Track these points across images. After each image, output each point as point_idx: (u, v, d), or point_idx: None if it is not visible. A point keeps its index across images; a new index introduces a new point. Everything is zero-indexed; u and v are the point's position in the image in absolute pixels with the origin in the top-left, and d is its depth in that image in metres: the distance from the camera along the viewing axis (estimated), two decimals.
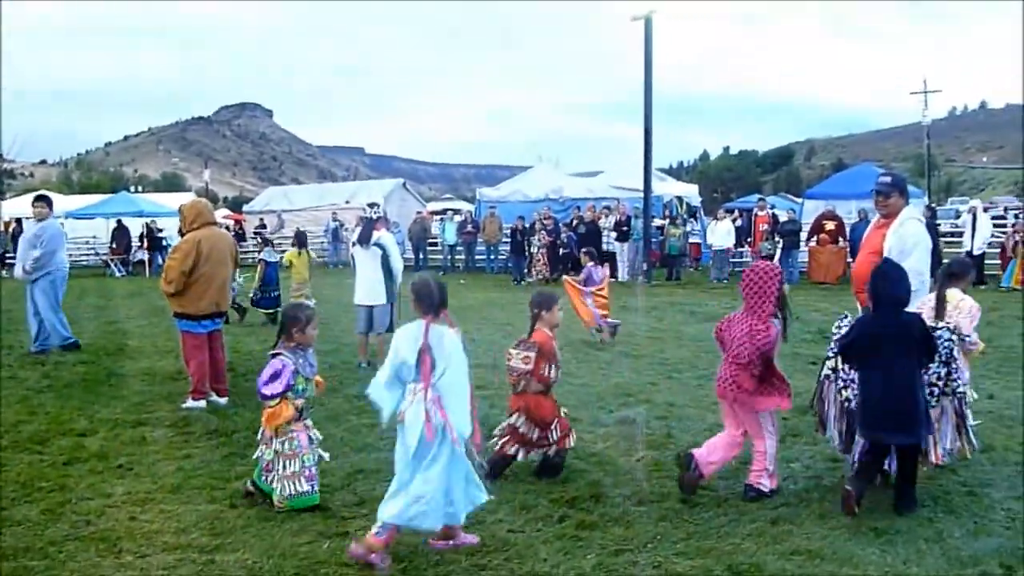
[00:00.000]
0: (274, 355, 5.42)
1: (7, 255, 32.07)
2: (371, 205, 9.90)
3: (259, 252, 17.49)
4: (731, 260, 23.24)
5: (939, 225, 22.74)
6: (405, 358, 4.71)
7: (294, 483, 5.27)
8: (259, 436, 5.50)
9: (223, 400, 8.29)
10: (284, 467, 5.30)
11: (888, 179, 7.06)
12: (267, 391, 5.28)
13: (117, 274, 29.08)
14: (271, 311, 14.37)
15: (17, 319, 15.82)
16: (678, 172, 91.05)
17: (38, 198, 12.16)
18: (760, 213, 23.60)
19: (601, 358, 10.67)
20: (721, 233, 22.51)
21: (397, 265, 9.78)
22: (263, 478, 5.38)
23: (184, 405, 8.14)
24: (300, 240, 14.89)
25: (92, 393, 9.00)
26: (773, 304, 5.48)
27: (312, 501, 5.30)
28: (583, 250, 13.68)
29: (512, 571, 4.49)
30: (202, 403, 8.13)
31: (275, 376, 5.29)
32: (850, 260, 19.69)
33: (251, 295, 14.72)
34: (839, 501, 5.18)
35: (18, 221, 33.34)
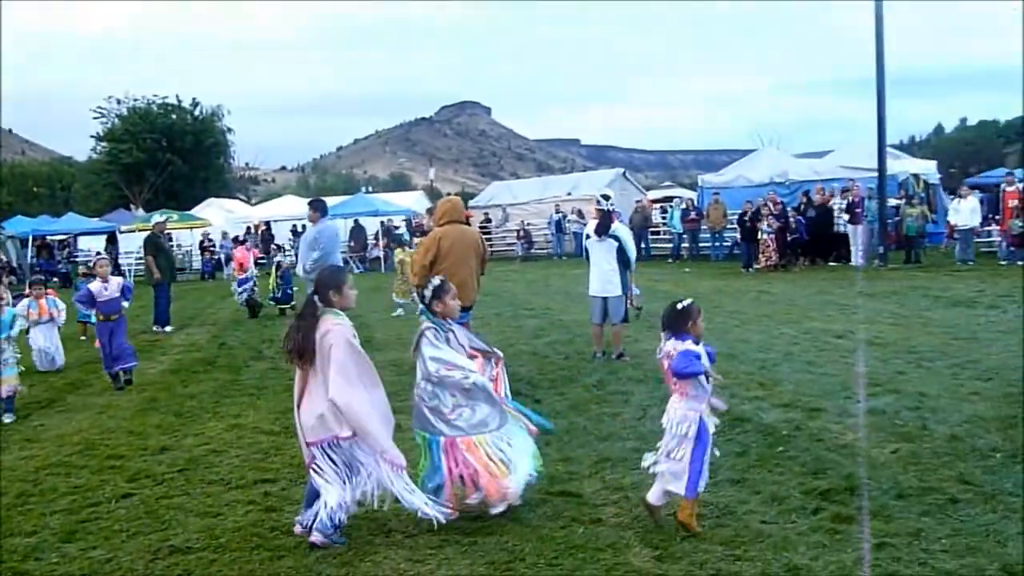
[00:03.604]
0: None
1: (259, 256, 34.84)
2: (605, 197, 9.97)
3: (276, 255, 21.38)
4: (977, 240, 21.75)
5: None
6: None
7: None
8: None
9: None
10: None
11: None
12: None
13: (356, 270, 30.77)
14: (286, 305, 17.30)
15: (273, 314, 17.18)
16: (910, 148, 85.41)
17: (311, 203, 13.04)
18: (1008, 188, 21.89)
19: (843, 346, 10.31)
20: (966, 212, 21.09)
21: (632, 255, 9.84)
22: None
23: None
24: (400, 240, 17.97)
25: None
26: None
27: None
28: None
29: (767, 563, 4.44)
30: None
31: None
32: None
33: (270, 293, 17.68)
34: None
35: (267, 224, 36.02)
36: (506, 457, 5.19)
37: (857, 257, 21.84)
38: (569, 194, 33.88)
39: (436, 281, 5.52)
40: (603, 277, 9.86)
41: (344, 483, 4.94)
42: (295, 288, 17.67)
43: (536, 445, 5.45)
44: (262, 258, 34.58)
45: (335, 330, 4.93)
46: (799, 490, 5.38)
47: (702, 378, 4.91)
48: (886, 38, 21.26)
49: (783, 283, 18.48)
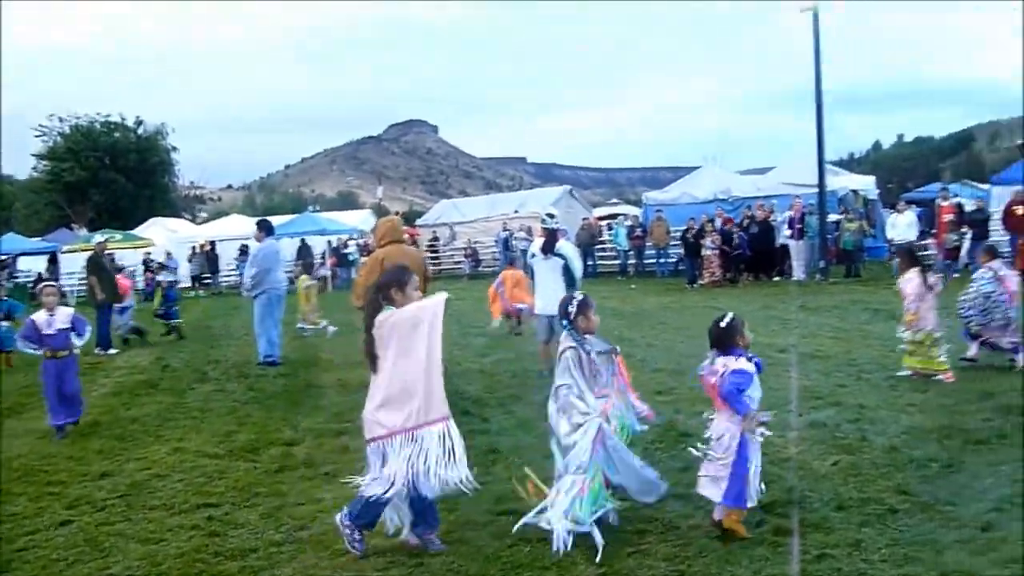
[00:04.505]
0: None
1: (204, 276, 34.49)
2: (550, 215, 10.03)
3: (158, 275, 21.00)
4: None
5: None
6: None
7: None
8: None
9: None
10: None
11: None
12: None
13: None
14: (171, 323, 16.96)
15: (219, 335, 16.98)
16: (849, 164, 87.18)
17: (258, 223, 13.08)
18: (943, 203, 22.42)
19: (785, 360, 10.46)
20: (902, 226, 21.54)
21: (578, 273, 9.89)
22: None
23: None
24: (307, 267, 18.63)
25: (294, 404, 9.56)
26: None
27: None
28: None
29: None
30: None
31: None
32: None
33: (156, 311, 17.36)
34: None
35: (212, 244, 35.60)
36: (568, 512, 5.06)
37: (799, 272, 22.20)
38: (516, 212, 34.02)
39: (580, 296, 5.45)
40: (549, 295, 9.87)
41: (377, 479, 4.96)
42: (178, 307, 17.60)
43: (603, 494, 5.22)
44: (208, 278, 34.40)
45: (388, 318, 4.94)
46: None
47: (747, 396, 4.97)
48: (825, 55, 21.73)
49: (728, 298, 18.69)
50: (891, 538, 4.82)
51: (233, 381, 11.44)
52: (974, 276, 10.00)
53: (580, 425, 5.10)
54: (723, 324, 5.11)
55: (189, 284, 34.28)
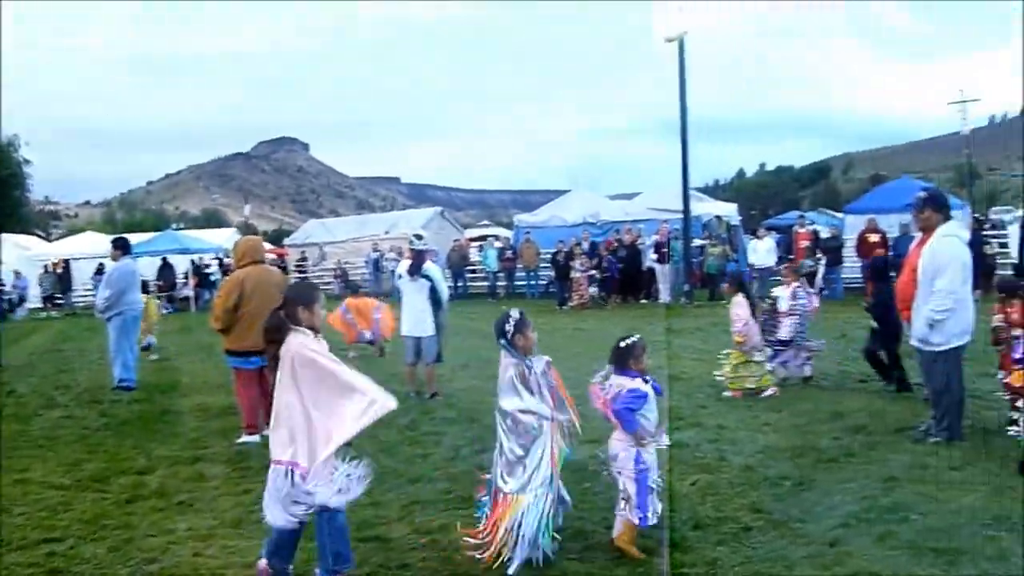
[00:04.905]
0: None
1: (56, 296, 32.92)
2: (418, 237, 10.01)
3: None
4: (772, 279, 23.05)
5: (987, 237, 22.33)
6: None
7: None
8: None
9: None
10: None
11: (922, 194, 7.13)
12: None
13: (163, 311, 29.45)
14: None
15: (71, 358, 16.22)
16: (714, 191, 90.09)
17: (113, 241, 12.55)
18: (801, 230, 23.42)
19: None
20: (762, 252, 22.37)
21: (444, 296, 9.87)
22: None
23: (239, 440, 8.24)
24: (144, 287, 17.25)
25: (148, 431, 9.16)
26: None
27: None
28: None
29: None
30: (256, 438, 8.14)
31: None
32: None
33: None
34: None
35: (66, 263, 34.07)
36: (524, 532, 4.88)
37: (664, 295, 22.74)
38: (387, 233, 33.74)
39: (516, 315, 5.19)
40: (416, 317, 9.83)
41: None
42: None
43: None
44: (60, 298, 32.84)
45: (295, 348, 4.60)
46: (603, 525, 5.46)
47: (641, 416, 5.09)
48: (691, 85, 22.36)
49: (596, 320, 18.97)
50: (745, 556, 4.93)
51: (84, 407, 10.89)
52: (775, 292, 10.70)
53: (535, 440, 5.00)
54: (623, 344, 5.27)
55: (40, 304, 32.71)
